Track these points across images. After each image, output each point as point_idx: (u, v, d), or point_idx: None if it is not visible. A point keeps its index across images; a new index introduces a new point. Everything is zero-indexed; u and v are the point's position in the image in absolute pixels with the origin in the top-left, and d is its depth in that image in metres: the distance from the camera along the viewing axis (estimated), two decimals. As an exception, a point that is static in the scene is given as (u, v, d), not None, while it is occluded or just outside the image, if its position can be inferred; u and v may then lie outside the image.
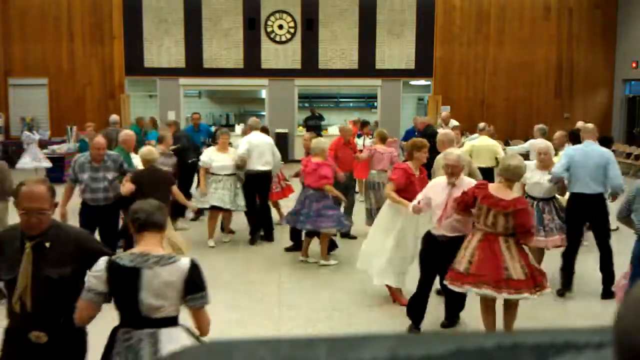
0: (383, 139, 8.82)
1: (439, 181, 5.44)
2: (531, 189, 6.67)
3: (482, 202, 4.82)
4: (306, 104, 19.37)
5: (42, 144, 14.28)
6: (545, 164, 6.69)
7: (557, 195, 6.70)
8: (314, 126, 17.14)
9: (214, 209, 8.37)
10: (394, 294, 6.30)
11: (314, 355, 0.52)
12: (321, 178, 7.30)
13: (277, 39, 17.62)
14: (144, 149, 7.13)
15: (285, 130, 17.34)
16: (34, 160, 12.77)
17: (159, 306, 3.08)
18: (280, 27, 17.60)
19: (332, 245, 7.87)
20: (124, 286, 3.07)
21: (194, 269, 3.22)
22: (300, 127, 18.05)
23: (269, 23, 17.58)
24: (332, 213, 7.36)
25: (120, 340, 3.10)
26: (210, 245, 8.40)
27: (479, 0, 17.75)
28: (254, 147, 8.40)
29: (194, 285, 3.22)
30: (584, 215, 6.46)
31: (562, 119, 17.48)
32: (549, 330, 0.54)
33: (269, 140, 8.79)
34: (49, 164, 13.09)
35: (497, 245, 4.80)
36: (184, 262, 3.20)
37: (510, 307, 5.08)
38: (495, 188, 4.91)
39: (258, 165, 8.39)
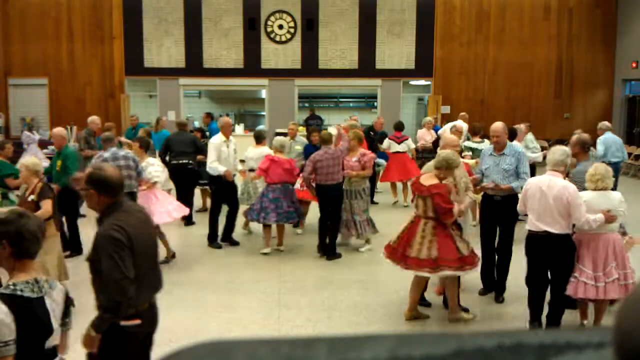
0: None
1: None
2: None
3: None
4: (306, 104, 19.37)
5: (42, 144, 14.27)
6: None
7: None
8: (314, 126, 17.12)
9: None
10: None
11: (314, 355, 0.52)
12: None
13: (277, 39, 17.62)
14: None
15: (286, 131, 17.31)
16: (34, 160, 12.75)
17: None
18: (280, 27, 17.61)
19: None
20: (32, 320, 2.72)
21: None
22: (301, 127, 18.04)
23: (269, 23, 17.58)
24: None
25: None
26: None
27: (479, 0, 17.76)
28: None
29: (68, 306, 3.02)
30: (494, 216, 6.33)
31: (562, 119, 17.49)
32: (549, 330, 0.54)
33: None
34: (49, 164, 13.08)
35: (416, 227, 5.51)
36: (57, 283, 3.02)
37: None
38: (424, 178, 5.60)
39: None
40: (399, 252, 5.51)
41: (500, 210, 6.24)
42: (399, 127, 11.56)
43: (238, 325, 5.66)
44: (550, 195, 5.07)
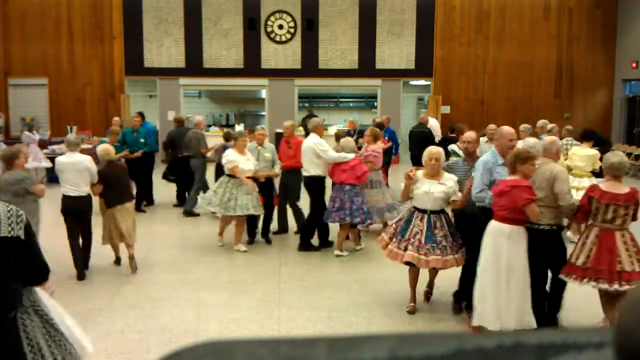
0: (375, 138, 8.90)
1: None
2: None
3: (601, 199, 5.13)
4: (306, 104, 19.37)
5: (42, 144, 14.27)
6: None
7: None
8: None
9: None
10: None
11: (314, 355, 0.52)
12: (362, 175, 7.89)
13: (277, 39, 17.63)
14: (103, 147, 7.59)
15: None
16: (34, 161, 12.75)
17: None
18: (280, 27, 17.61)
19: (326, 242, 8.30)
20: None
21: None
22: (300, 127, 18.05)
23: (269, 23, 17.58)
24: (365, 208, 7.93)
25: None
26: (243, 250, 8.15)
27: (479, 0, 17.76)
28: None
29: None
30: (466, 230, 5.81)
31: (562, 119, 17.49)
32: (549, 330, 0.54)
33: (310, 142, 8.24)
34: (49, 164, 13.08)
35: (613, 239, 5.06)
36: None
37: (617, 298, 5.17)
38: (607, 186, 5.19)
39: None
40: (604, 270, 5.01)
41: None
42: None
43: (238, 325, 5.66)
44: None
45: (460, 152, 7.40)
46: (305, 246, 8.16)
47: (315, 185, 8.10)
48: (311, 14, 17.58)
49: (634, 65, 16.98)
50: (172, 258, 7.85)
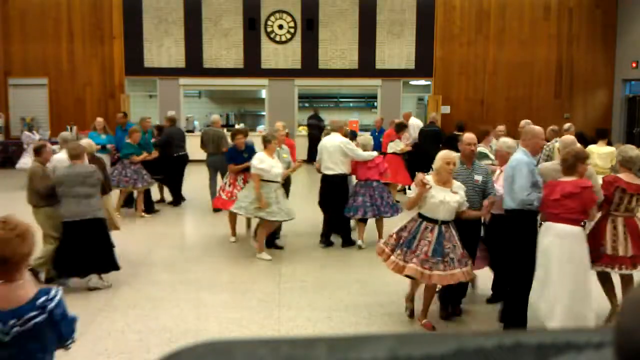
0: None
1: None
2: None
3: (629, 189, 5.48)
4: (306, 104, 19.36)
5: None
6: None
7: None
8: (314, 125, 17.13)
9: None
10: None
11: (314, 355, 0.52)
12: (385, 171, 8.38)
13: (277, 39, 17.62)
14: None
15: (285, 131, 17.32)
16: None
17: None
18: (280, 27, 17.61)
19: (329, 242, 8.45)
20: None
21: None
22: (301, 127, 18.06)
23: (269, 23, 17.58)
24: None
25: None
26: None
27: (479, 0, 17.76)
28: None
29: None
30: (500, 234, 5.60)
31: (562, 119, 17.47)
32: (549, 330, 0.54)
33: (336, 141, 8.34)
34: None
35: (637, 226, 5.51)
36: None
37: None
38: (627, 177, 5.51)
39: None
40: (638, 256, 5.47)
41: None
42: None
43: (238, 325, 5.66)
44: None
45: (491, 154, 7.33)
46: (327, 243, 8.47)
47: (340, 183, 8.32)
48: (311, 14, 17.58)
49: (634, 65, 16.98)
50: (172, 258, 7.85)
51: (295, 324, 5.73)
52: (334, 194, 8.33)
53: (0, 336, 2.67)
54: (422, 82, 18.52)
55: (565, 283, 4.95)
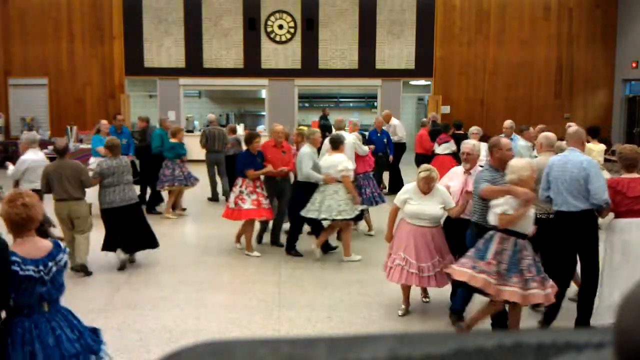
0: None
1: (457, 170, 6.02)
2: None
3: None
4: (306, 104, 19.37)
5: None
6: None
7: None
8: (323, 126, 17.13)
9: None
10: None
11: (314, 355, 0.52)
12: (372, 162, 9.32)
13: (277, 39, 17.63)
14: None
15: (285, 133, 17.32)
16: (34, 161, 12.76)
17: None
18: (280, 27, 17.61)
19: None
20: None
21: None
22: (301, 127, 18.04)
23: (269, 23, 17.58)
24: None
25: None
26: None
27: (479, 0, 17.76)
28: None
29: None
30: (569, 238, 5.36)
31: (562, 119, 17.48)
32: (549, 330, 0.54)
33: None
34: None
35: None
36: None
37: None
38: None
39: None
40: None
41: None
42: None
43: (238, 325, 5.66)
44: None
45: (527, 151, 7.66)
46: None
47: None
48: (311, 14, 17.58)
49: (634, 65, 16.98)
50: (172, 258, 7.84)
51: (295, 324, 5.73)
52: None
53: (44, 276, 3.50)
54: (422, 82, 18.53)
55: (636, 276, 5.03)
